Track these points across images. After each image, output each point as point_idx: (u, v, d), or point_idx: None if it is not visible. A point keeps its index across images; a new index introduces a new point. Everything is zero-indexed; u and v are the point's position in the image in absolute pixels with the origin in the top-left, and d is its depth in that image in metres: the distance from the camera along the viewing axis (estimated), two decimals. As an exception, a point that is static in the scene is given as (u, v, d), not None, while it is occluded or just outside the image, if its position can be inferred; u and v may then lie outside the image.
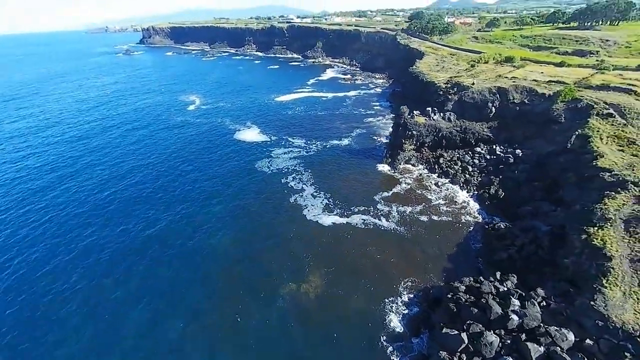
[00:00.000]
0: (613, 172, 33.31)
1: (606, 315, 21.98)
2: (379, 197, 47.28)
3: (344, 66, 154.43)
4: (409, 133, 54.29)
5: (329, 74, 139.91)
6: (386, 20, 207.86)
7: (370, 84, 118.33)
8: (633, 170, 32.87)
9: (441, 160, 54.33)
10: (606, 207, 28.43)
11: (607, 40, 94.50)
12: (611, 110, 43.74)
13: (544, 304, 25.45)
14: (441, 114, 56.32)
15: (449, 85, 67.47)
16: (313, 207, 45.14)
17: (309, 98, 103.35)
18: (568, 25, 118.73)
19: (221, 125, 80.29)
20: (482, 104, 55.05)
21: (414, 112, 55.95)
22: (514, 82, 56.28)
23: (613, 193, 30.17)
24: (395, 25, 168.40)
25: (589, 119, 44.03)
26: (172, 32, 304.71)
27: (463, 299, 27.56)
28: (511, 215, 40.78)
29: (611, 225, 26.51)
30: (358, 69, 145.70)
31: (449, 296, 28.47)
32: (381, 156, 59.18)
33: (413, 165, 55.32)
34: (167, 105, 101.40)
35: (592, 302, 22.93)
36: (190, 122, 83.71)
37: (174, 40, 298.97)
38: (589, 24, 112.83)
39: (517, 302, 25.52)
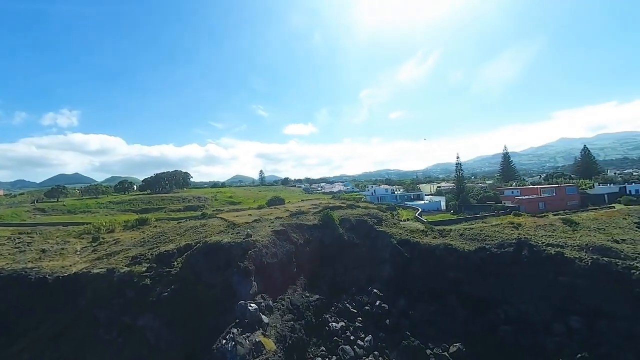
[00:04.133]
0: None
1: None
2: None
3: None
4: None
5: None
6: None
7: None
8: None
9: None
10: None
11: (199, 197, 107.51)
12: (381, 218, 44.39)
13: None
14: (257, 306, 23.71)
15: (148, 270, 33.68)
16: None
17: None
18: (144, 192, 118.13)
19: None
20: (287, 260, 31.68)
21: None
22: (266, 226, 39.28)
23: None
24: None
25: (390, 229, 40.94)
26: None
27: None
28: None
29: None
30: None
31: None
32: None
33: None
34: None
35: None
36: None
37: None
38: (160, 189, 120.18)
39: None
